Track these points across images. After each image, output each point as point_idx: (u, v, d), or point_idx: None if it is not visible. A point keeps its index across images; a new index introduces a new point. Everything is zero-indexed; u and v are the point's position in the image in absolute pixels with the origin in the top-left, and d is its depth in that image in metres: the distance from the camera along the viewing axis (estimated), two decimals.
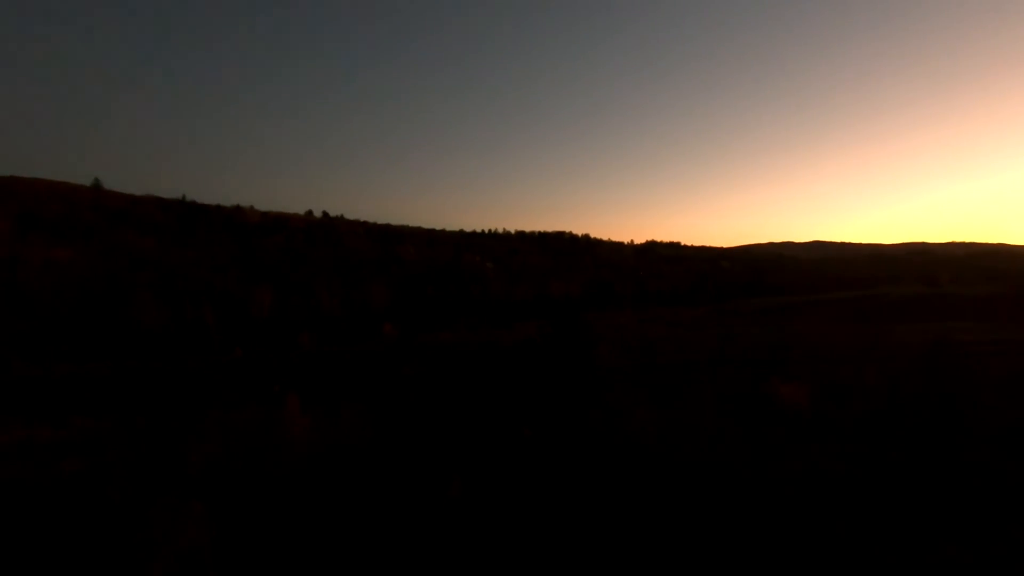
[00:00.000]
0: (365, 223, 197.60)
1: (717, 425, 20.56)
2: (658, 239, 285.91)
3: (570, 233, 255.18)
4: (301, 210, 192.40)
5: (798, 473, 18.67)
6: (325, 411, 23.40)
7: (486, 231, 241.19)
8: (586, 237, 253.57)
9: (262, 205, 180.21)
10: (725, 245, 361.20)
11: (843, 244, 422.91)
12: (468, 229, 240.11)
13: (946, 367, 34.69)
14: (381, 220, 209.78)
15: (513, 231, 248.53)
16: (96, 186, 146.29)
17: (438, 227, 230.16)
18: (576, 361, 32.21)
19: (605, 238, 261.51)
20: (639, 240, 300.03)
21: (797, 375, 34.67)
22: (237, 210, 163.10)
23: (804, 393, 30.57)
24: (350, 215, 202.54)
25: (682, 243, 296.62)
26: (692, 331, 70.83)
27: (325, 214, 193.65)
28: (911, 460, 20.60)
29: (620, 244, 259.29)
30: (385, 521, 14.16)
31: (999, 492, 17.60)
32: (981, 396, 28.97)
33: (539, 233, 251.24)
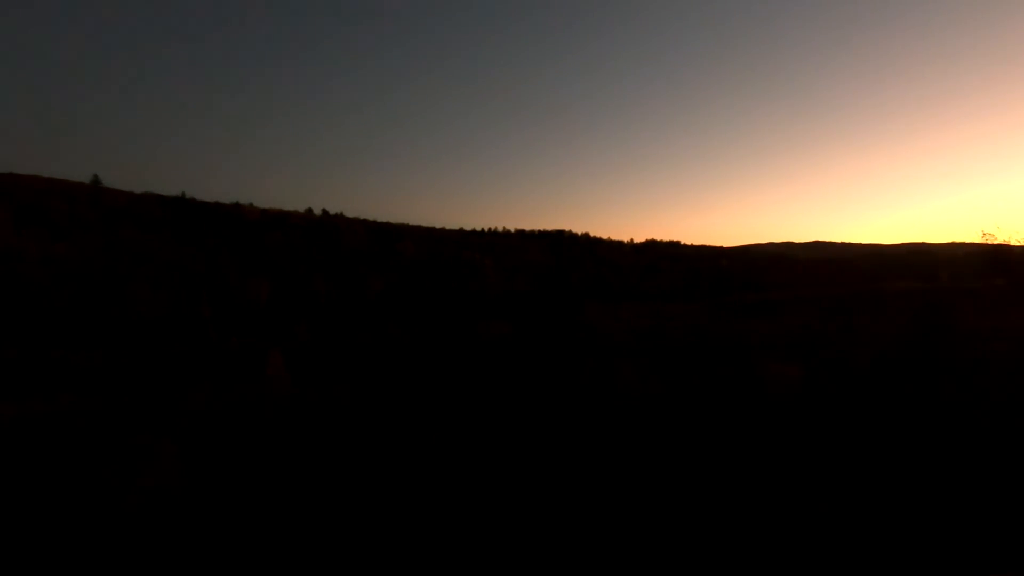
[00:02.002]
0: (365, 221, 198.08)
1: (703, 390, 20.67)
2: (658, 238, 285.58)
3: (570, 232, 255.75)
4: (301, 208, 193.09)
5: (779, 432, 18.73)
6: (315, 384, 23.50)
7: (486, 229, 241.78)
8: (586, 236, 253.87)
9: (262, 203, 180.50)
10: (725, 245, 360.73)
11: (844, 244, 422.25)
12: (468, 227, 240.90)
13: (941, 347, 34.72)
14: (381, 218, 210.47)
15: (513, 229, 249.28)
16: (95, 183, 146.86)
17: (438, 225, 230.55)
18: (567, 340, 32.33)
19: (605, 237, 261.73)
20: (639, 239, 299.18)
21: (788, 357, 34.63)
22: (237, 207, 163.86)
23: (794, 371, 30.63)
24: (350, 213, 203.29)
25: (682, 242, 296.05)
26: (688, 321, 70.92)
27: (325, 212, 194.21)
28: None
29: (620, 243, 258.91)
30: (356, 458, 14.32)
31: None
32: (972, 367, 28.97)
33: (539, 231, 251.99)
